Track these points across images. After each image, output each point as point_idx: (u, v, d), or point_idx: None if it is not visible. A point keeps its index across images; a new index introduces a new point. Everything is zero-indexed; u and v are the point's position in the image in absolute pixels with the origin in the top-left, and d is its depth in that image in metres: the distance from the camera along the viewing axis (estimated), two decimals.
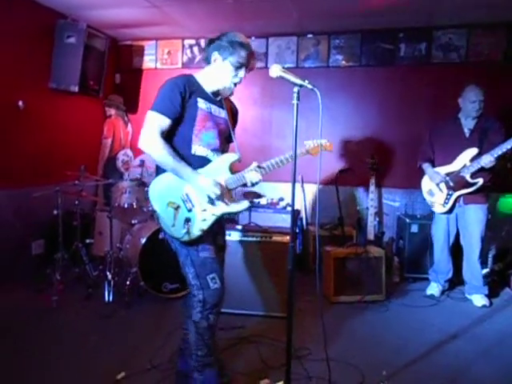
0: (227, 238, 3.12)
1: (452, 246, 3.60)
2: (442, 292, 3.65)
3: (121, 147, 4.81)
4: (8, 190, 3.56)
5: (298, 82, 1.75)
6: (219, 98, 2.14)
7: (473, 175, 3.29)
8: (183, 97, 1.95)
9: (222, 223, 2.23)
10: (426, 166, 3.61)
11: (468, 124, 3.44)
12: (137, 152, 4.60)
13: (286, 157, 2.15)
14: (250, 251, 3.15)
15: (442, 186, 3.47)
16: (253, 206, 3.80)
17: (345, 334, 2.92)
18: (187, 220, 1.95)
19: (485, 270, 3.65)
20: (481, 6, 3.72)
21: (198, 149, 2.02)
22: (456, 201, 3.44)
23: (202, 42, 4.92)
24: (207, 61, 2.08)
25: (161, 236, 3.18)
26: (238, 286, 3.13)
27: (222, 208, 2.02)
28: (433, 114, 4.27)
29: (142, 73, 5.16)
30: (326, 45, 4.59)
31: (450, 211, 3.49)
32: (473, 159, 3.29)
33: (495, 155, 3.13)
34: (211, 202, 1.99)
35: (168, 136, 1.97)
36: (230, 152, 2.22)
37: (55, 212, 3.42)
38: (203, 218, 1.97)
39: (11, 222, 3.62)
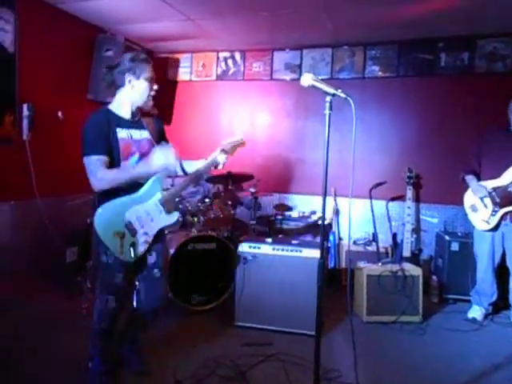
0: (257, 250, 3.10)
1: (497, 266, 3.36)
2: (486, 316, 3.41)
3: None
4: (46, 198, 3.66)
5: (331, 91, 1.69)
6: (137, 119, 2.26)
7: None
8: (107, 132, 2.08)
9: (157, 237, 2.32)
10: (470, 179, 3.39)
11: None
12: None
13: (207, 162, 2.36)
14: (279, 265, 3.07)
15: (487, 201, 3.26)
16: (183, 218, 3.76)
17: (377, 357, 2.77)
18: (132, 244, 2.11)
19: None
20: None
21: None
22: (502, 218, 3.22)
23: (237, 55, 4.95)
24: (116, 85, 2.19)
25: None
26: (266, 301, 3.06)
27: (157, 226, 2.22)
28: (475, 126, 4.05)
29: (176, 85, 5.24)
30: (361, 56, 4.49)
31: (495, 229, 3.27)
32: None
33: None
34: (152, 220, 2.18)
35: None
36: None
37: (88, 220, 3.48)
38: (145, 240, 2.17)
39: (48, 229, 3.71)
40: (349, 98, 1.66)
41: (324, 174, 1.75)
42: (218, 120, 5.03)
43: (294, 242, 3.20)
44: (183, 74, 5.20)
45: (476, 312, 3.40)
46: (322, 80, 1.77)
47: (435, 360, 2.74)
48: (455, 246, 3.78)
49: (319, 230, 4.08)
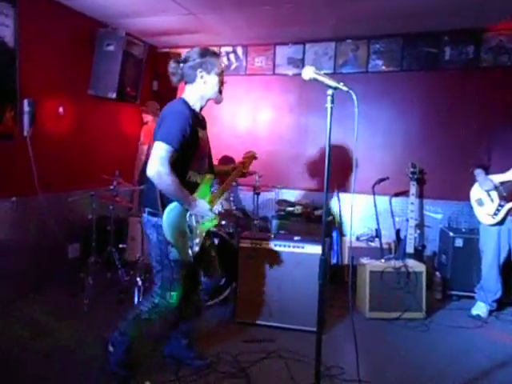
0: (259, 247, 3.08)
1: (503, 263, 3.32)
2: (490, 313, 3.38)
3: None
4: (48, 194, 3.65)
5: (333, 84, 1.66)
6: (203, 117, 2.34)
7: None
8: (190, 128, 2.09)
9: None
10: (478, 173, 3.35)
11: None
12: None
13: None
14: (282, 261, 3.05)
15: (494, 194, 3.22)
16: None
17: (380, 353, 2.74)
18: (190, 245, 2.21)
19: None
20: None
21: (192, 175, 2.21)
22: (508, 213, 3.18)
23: (239, 50, 4.91)
24: (188, 80, 2.22)
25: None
26: (268, 298, 3.04)
27: (206, 229, 2.33)
28: (482, 120, 4.01)
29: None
30: (365, 50, 4.44)
31: (501, 223, 3.23)
32: None
33: None
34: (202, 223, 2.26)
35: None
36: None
37: (90, 216, 3.47)
38: (199, 241, 2.25)
39: (50, 226, 3.70)
40: (351, 91, 1.63)
41: (326, 169, 1.71)
42: (221, 115, 5.00)
43: (296, 238, 3.18)
44: None
45: (480, 309, 3.37)
46: (325, 74, 1.73)
47: (438, 357, 2.72)
48: (459, 242, 3.74)
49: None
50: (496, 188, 3.20)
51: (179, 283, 2.24)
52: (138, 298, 3.28)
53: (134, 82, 4.48)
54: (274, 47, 4.77)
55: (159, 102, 5.01)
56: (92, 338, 2.78)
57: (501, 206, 3.20)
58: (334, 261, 4.27)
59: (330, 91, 1.67)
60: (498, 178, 3.22)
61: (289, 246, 3.06)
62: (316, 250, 2.96)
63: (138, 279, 3.35)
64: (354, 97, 1.61)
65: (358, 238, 4.21)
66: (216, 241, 3.42)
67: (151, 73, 5.13)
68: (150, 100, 4.97)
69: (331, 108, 1.67)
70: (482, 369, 2.55)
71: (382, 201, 4.34)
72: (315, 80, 1.71)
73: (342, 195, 4.46)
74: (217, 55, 2.24)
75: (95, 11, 4.00)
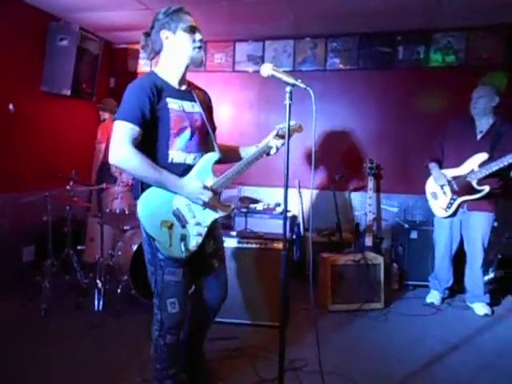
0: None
1: (455, 252, 3.50)
2: (443, 300, 3.56)
3: None
4: None
5: (291, 81, 1.68)
6: (189, 89, 1.99)
7: (480, 181, 3.18)
8: (151, 100, 1.79)
9: (213, 229, 2.03)
10: (433, 166, 3.48)
11: (481, 126, 3.31)
12: None
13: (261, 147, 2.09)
14: (244, 258, 3.06)
15: (447, 189, 3.36)
16: (238, 210, 3.68)
17: (342, 344, 2.82)
18: (183, 237, 1.84)
19: (489, 276, 3.54)
20: (481, 9, 3.65)
21: (175, 155, 1.87)
22: (460, 206, 3.34)
23: None
24: (157, 49, 1.92)
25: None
26: (231, 295, 3.03)
27: (212, 216, 1.93)
28: (431, 117, 4.20)
29: (136, 76, 5.09)
30: (323, 48, 4.53)
31: (453, 215, 3.39)
32: (482, 165, 3.17)
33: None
34: (203, 208, 1.89)
35: (139, 146, 1.78)
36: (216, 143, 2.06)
37: (45, 218, 3.34)
38: (198, 233, 1.89)
39: (2, 228, 3.53)
40: (308, 89, 1.65)
41: (285, 165, 1.74)
42: None
43: (258, 234, 3.20)
44: (144, 65, 5.06)
45: (434, 297, 3.54)
46: (284, 72, 1.75)
47: (396, 344, 2.83)
48: (414, 234, 3.90)
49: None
50: (449, 182, 3.34)
51: (179, 286, 1.89)
52: (99, 302, 3.20)
53: (90, 79, 4.35)
54: (233, 44, 4.76)
55: (117, 99, 4.89)
56: (50, 343, 2.69)
57: (453, 199, 3.34)
58: (296, 256, 4.33)
59: (288, 88, 1.69)
60: (450, 173, 3.36)
61: (251, 243, 3.08)
62: (278, 245, 3.00)
63: (98, 281, 3.26)
64: (312, 94, 1.64)
65: (319, 233, 4.29)
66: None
67: (108, 69, 5.00)
68: (107, 97, 4.83)
69: (290, 105, 1.70)
70: (436, 353, 2.68)
71: (342, 196, 4.46)
72: (273, 77, 1.72)
73: (303, 191, 4.53)
74: (181, 10, 1.90)
75: (47, 4, 3.84)
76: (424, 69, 4.29)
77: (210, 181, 1.93)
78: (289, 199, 1.81)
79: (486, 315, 3.28)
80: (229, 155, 2.16)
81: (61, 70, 3.99)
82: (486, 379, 2.42)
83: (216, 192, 1.93)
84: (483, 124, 3.31)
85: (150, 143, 1.83)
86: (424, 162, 3.58)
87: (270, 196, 4.64)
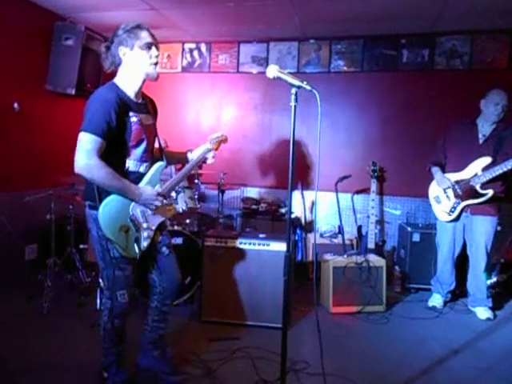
0: (224, 245, 3.08)
1: (457, 256, 3.48)
2: (445, 303, 3.55)
3: None
4: (3, 194, 3.48)
5: (296, 82, 1.68)
6: (144, 102, 2.15)
7: (483, 185, 3.17)
8: (117, 113, 1.91)
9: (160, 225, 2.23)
10: (435, 170, 3.47)
11: (484, 130, 3.29)
12: None
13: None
14: (247, 259, 3.06)
15: (450, 193, 3.35)
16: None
17: (344, 346, 2.82)
18: (136, 239, 2.04)
19: (491, 280, 3.53)
20: (485, 13, 3.65)
21: (131, 164, 2.05)
22: (463, 210, 3.33)
23: (203, 46, 4.88)
24: (116, 63, 2.04)
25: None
26: (233, 295, 3.05)
27: (159, 219, 2.15)
28: (437, 120, 4.19)
29: None
30: (327, 50, 4.53)
31: (456, 220, 3.38)
32: (485, 169, 3.16)
33: None
34: (153, 213, 2.11)
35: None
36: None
37: (48, 217, 3.35)
38: (148, 235, 2.08)
39: (5, 226, 3.53)
40: (314, 91, 1.66)
41: (290, 167, 1.74)
42: (184, 113, 4.95)
43: (261, 235, 3.20)
44: None
45: (436, 300, 3.53)
46: (289, 73, 1.76)
47: (398, 347, 2.83)
48: (417, 237, 3.90)
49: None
50: (452, 186, 3.33)
51: (127, 280, 2.10)
52: (100, 300, 3.20)
53: (94, 78, 4.35)
54: (237, 45, 4.77)
55: None
56: (51, 342, 2.69)
57: (457, 203, 3.33)
58: (298, 258, 4.33)
59: (293, 90, 1.69)
60: (454, 177, 3.35)
61: (254, 244, 3.08)
62: (281, 247, 3.00)
63: (100, 281, 3.26)
64: (317, 96, 1.64)
65: (321, 235, 4.29)
66: (180, 240, 3.39)
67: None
68: None
69: (295, 107, 1.70)
70: (438, 357, 2.68)
71: (345, 198, 4.45)
72: (279, 79, 1.73)
73: (306, 193, 4.53)
74: (139, 27, 1.99)
75: (53, 4, 3.85)
76: (428, 72, 4.29)
77: (159, 187, 2.14)
78: (292, 201, 1.81)
79: (488, 319, 3.27)
80: (171, 160, 2.47)
81: (65, 69, 4.00)
82: (487, 383, 2.41)
83: (165, 196, 2.14)
84: (486, 128, 3.29)
85: (109, 151, 1.95)
86: (427, 165, 3.57)
87: (272, 197, 4.64)
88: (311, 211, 4.53)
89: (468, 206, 3.30)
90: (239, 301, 3.03)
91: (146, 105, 2.16)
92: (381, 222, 4.42)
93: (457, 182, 3.32)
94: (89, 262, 3.80)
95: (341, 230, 4.18)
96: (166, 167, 2.23)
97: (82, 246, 3.74)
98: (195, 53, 4.91)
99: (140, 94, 2.12)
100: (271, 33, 4.49)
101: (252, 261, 3.05)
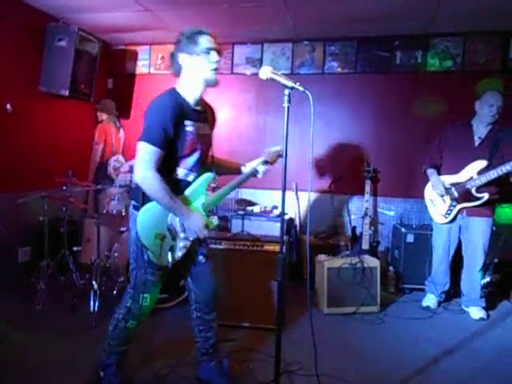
0: (218, 246, 3.08)
1: (452, 257, 3.50)
2: (439, 304, 3.56)
3: (112, 153, 4.72)
4: None
5: (289, 84, 1.68)
6: (203, 110, 2.10)
7: (478, 189, 3.18)
8: (174, 122, 1.89)
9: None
10: (431, 173, 3.46)
11: (479, 132, 3.29)
12: (129, 157, 4.53)
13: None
14: (241, 260, 3.06)
15: (445, 196, 3.35)
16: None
17: (338, 347, 2.82)
18: (171, 248, 2.01)
19: (485, 280, 3.55)
20: (478, 14, 3.68)
21: (180, 172, 2.02)
22: (459, 212, 3.33)
23: None
24: (178, 70, 2.02)
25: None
26: (228, 297, 3.04)
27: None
28: (429, 122, 4.22)
29: (135, 78, 5.09)
30: (321, 51, 4.55)
31: (452, 222, 3.38)
32: (481, 172, 3.17)
33: None
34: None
35: None
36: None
37: (41, 218, 3.32)
38: (184, 245, 2.05)
39: None
40: (307, 92, 1.66)
41: (283, 167, 1.74)
42: None
43: (255, 237, 3.20)
44: (142, 66, 5.06)
45: (430, 300, 3.55)
46: (283, 74, 1.76)
47: (392, 348, 2.84)
48: (410, 238, 3.91)
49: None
50: (448, 190, 3.31)
51: (154, 285, 2.09)
52: (94, 303, 3.18)
53: (88, 80, 4.34)
54: (232, 46, 4.77)
55: (114, 100, 4.89)
56: (44, 344, 2.68)
57: (452, 206, 3.32)
58: (292, 259, 4.33)
59: (286, 91, 1.70)
60: (449, 179, 3.34)
61: (248, 245, 3.08)
62: (275, 248, 3.00)
63: (94, 283, 3.25)
64: (310, 97, 1.64)
65: (315, 236, 4.30)
66: None
67: (106, 70, 4.99)
68: (105, 98, 4.83)
69: (288, 108, 1.70)
70: (432, 357, 2.69)
71: (339, 199, 4.46)
72: (272, 80, 1.73)
73: (301, 194, 4.54)
74: (199, 33, 1.96)
75: (45, 5, 3.84)
76: (421, 73, 4.32)
77: (203, 198, 2.09)
78: (286, 202, 1.81)
79: (482, 319, 3.29)
80: (219, 169, 2.32)
81: (59, 70, 3.98)
82: (480, 382, 2.42)
83: (206, 208, 2.10)
84: (481, 130, 3.29)
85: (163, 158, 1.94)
86: (422, 167, 3.56)
87: (267, 198, 4.64)
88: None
89: (463, 208, 3.30)
90: (233, 302, 3.02)
91: (205, 113, 2.12)
92: (375, 222, 4.43)
93: (452, 185, 3.31)
94: (83, 264, 3.80)
95: (335, 231, 4.18)
96: (214, 178, 2.16)
97: (75, 249, 3.73)
98: None
99: (200, 101, 2.08)
100: (265, 34, 4.50)
101: (246, 262, 3.05)
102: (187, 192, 2.04)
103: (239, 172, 2.35)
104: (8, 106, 3.67)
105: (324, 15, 3.84)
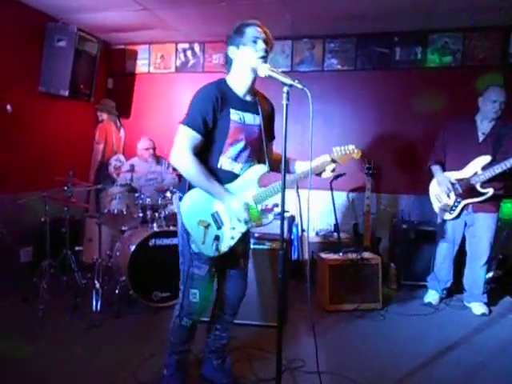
0: None
1: (456, 253, 3.46)
2: (441, 300, 3.56)
3: (113, 152, 4.74)
4: None
5: (288, 81, 1.68)
6: (254, 100, 2.06)
7: (483, 184, 3.16)
8: (215, 109, 1.89)
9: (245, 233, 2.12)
10: (436, 169, 3.44)
11: (483, 128, 3.27)
12: (129, 157, 4.53)
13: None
14: None
15: (451, 192, 3.32)
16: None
17: (340, 344, 2.83)
18: (216, 238, 1.96)
19: (487, 275, 3.53)
20: (477, 10, 3.67)
21: (224, 162, 1.98)
22: (464, 208, 3.31)
23: (196, 46, 4.87)
24: (230, 63, 2.02)
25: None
26: None
27: (248, 225, 2.02)
28: (429, 118, 4.21)
29: (134, 77, 5.09)
30: (320, 49, 4.54)
31: (457, 217, 3.36)
32: (485, 167, 3.15)
33: None
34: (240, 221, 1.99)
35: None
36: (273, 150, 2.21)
37: (43, 219, 3.33)
38: (231, 236, 1.99)
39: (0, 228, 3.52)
40: (305, 89, 1.65)
41: (283, 165, 1.74)
42: (178, 113, 4.91)
43: (256, 234, 3.20)
44: (141, 65, 5.06)
45: (432, 296, 3.55)
46: (282, 72, 1.76)
47: (394, 344, 2.84)
48: (412, 234, 3.91)
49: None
50: (453, 186, 3.29)
51: (203, 280, 2.03)
52: (97, 302, 3.19)
53: (88, 80, 4.35)
54: None
55: (114, 99, 4.90)
56: (47, 344, 2.69)
57: (457, 202, 3.30)
58: (294, 256, 4.34)
59: (285, 88, 1.69)
60: (454, 176, 3.32)
61: (249, 243, 3.07)
62: (276, 245, 3.00)
63: (96, 282, 3.26)
64: (309, 94, 1.64)
65: (317, 233, 4.30)
66: (177, 240, 3.38)
67: (106, 70, 4.99)
68: (105, 98, 4.84)
69: (287, 105, 1.70)
70: (434, 352, 2.69)
71: (340, 196, 4.46)
72: (271, 77, 1.73)
73: (301, 191, 4.53)
74: (245, 24, 1.96)
75: (45, 5, 3.84)
76: (421, 69, 4.31)
77: (253, 192, 2.02)
78: (287, 199, 1.81)
79: (483, 315, 3.29)
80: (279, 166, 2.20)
81: (58, 70, 3.99)
82: (482, 378, 2.43)
83: (257, 202, 2.03)
84: (485, 126, 3.27)
85: (205, 145, 1.95)
86: (427, 163, 3.53)
87: None
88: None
89: (468, 203, 3.28)
90: None
91: (257, 105, 2.06)
92: (376, 219, 4.43)
93: (457, 181, 3.29)
94: (84, 263, 3.81)
95: (336, 228, 4.18)
96: (268, 172, 2.08)
97: (77, 248, 3.75)
98: (189, 53, 4.90)
99: (251, 91, 2.04)
100: None
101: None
102: (235, 183, 2.00)
103: (292, 169, 2.25)
104: (8, 107, 3.67)
105: (322, 12, 3.83)
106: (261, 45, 1.93)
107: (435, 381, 2.40)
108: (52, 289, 3.28)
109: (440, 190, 3.40)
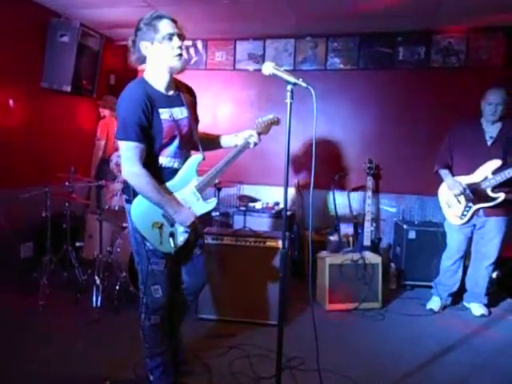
0: (220, 242, 3.08)
1: (464, 256, 3.39)
2: (443, 308, 3.45)
3: (114, 149, 4.73)
4: None
5: (292, 79, 1.68)
6: (177, 93, 2.03)
7: (494, 189, 3.12)
8: (146, 113, 1.85)
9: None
10: (445, 174, 3.35)
11: (490, 131, 3.21)
12: None
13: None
14: (243, 256, 3.06)
15: (461, 197, 3.25)
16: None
17: (340, 343, 2.83)
18: (171, 234, 1.98)
19: (493, 275, 3.49)
20: (480, 10, 3.66)
21: (164, 161, 1.99)
22: (474, 213, 3.24)
23: (199, 44, 4.87)
24: (142, 58, 1.96)
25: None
26: (230, 293, 3.05)
27: (196, 213, 2.06)
28: (432, 118, 4.21)
29: (137, 74, 5.06)
30: (323, 47, 4.53)
31: (468, 222, 3.28)
32: (495, 172, 3.10)
33: None
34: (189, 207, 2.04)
35: None
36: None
37: (44, 214, 3.33)
38: (184, 230, 2.01)
39: (0, 224, 3.52)
40: (309, 87, 1.66)
41: (286, 163, 1.74)
42: None
43: (257, 233, 3.20)
44: None
45: (434, 303, 3.44)
46: (285, 70, 1.76)
47: (394, 344, 2.84)
48: (412, 235, 3.91)
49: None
50: (464, 190, 3.22)
51: (161, 275, 2.03)
52: (97, 298, 3.20)
53: (91, 75, 4.35)
54: (234, 42, 4.76)
55: (117, 96, 4.88)
56: (47, 339, 2.69)
57: (468, 207, 3.23)
58: (294, 255, 4.34)
59: (289, 87, 1.69)
60: (464, 180, 3.25)
61: (250, 241, 3.08)
62: (277, 244, 3.00)
63: (97, 278, 3.26)
64: (313, 93, 1.64)
65: (317, 232, 4.30)
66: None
67: (108, 66, 4.98)
68: (107, 94, 4.83)
69: (291, 104, 1.70)
70: (433, 353, 2.70)
71: (341, 195, 4.46)
72: (275, 76, 1.73)
73: (302, 190, 4.54)
74: (157, 17, 1.88)
75: (48, 0, 3.83)
76: (424, 70, 4.30)
77: (195, 183, 2.05)
78: (288, 198, 1.81)
79: (483, 316, 3.29)
80: (209, 146, 2.28)
81: (61, 66, 3.98)
82: (481, 379, 2.43)
83: (201, 191, 2.07)
84: (492, 129, 3.21)
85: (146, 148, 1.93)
86: (434, 167, 3.44)
87: (268, 195, 4.64)
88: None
89: (479, 208, 3.22)
90: (235, 298, 3.04)
91: (180, 96, 2.03)
92: (377, 219, 4.43)
93: (468, 186, 3.22)
94: (85, 259, 3.81)
95: (337, 228, 4.19)
96: (203, 160, 2.09)
97: (78, 244, 3.75)
98: (191, 50, 4.89)
99: (171, 86, 2.00)
100: (267, 30, 4.48)
101: (248, 258, 3.05)
102: (176, 178, 2.01)
103: (221, 146, 2.32)
104: (10, 102, 3.67)
105: (326, 11, 3.81)
106: (176, 42, 1.89)
107: (434, 381, 2.41)
108: (52, 284, 3.29)
109: (450, 195, 3.31)
